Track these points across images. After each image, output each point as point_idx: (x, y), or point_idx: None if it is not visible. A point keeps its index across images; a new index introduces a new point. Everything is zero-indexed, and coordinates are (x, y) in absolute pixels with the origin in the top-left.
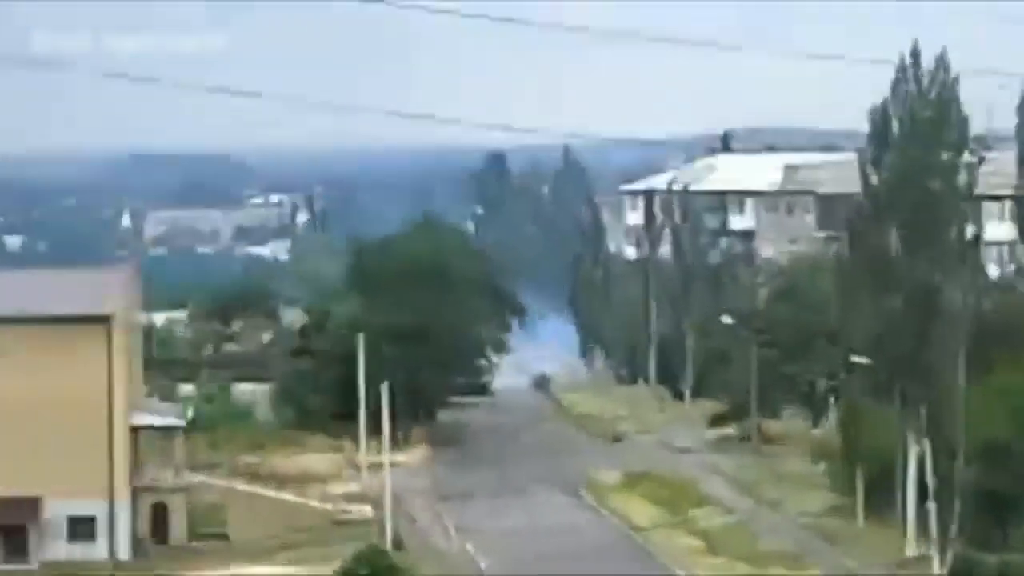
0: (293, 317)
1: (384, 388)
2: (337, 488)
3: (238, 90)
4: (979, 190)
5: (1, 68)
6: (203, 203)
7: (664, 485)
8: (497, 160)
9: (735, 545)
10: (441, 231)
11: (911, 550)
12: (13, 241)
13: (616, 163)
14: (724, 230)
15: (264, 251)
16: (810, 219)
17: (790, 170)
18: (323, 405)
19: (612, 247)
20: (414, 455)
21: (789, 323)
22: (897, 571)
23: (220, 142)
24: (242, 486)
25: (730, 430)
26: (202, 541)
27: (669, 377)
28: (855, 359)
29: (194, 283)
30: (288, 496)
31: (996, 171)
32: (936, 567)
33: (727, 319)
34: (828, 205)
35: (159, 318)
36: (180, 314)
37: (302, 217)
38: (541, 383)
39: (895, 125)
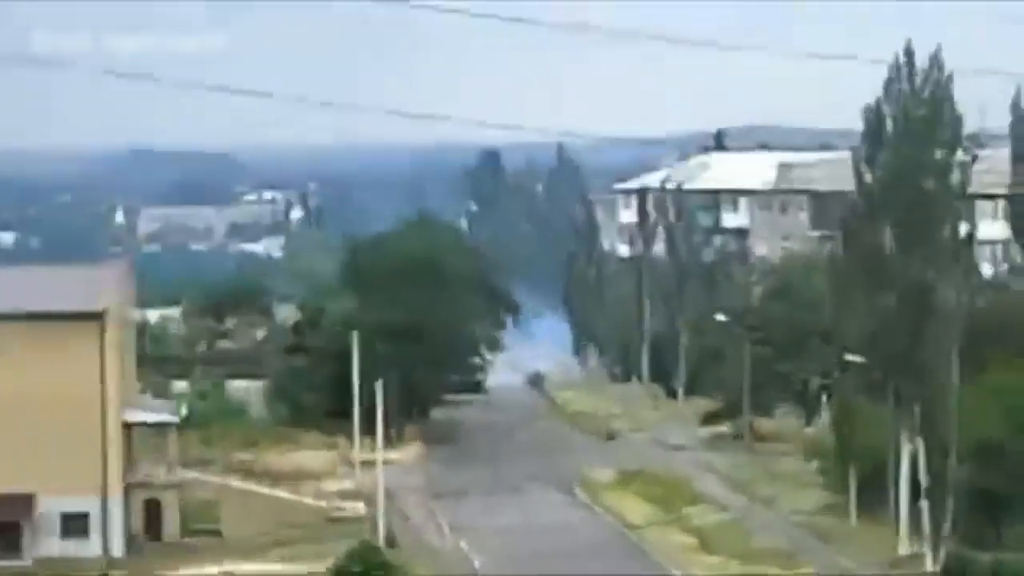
0: (287, 314)
1: (378, 385)
2: (331, 485)
3: (235, 88)
4: (973, 188)
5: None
6: (197, 200)
7: (658, 483)
8: (491, 158)
9: (729, 543)
10: (435, 229)
11: (904, 548)
12: (7, 237)
13: (610, 161)
14: (718, 228)
15: (258, 248)
16: (804, 217)
17: (784, 168)
18: (317, 402)
19: (606, 245)
20: (408, 452)
21: (783, 321)
22: (890, 570)
23: (214, 140)
24: (236, 483)
25: (723, 428)
26: (195, 538)
27: (663, 375)
28: (849, 357)
29: (188, 280)
30: (282, 493)
31: (990, 169)
32: (929, 565)
33: (721, 317)
34: (822, 203)
35: (153, 315)
36: (174, 311)
37: (296, 214)
38: (535, 381)
39: (889, 124)
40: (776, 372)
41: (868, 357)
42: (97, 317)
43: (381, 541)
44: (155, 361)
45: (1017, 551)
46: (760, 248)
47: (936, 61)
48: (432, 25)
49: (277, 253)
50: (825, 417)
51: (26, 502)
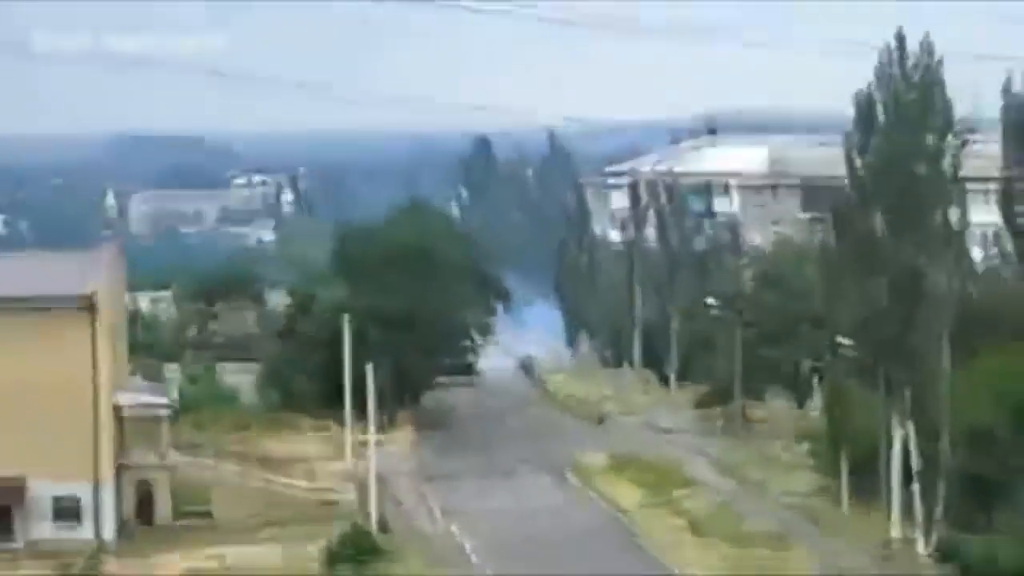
0: (278, 300)
1: (369, 371)
2: (322, 469)
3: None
4: (964, 174)
5: None
6: (188, 185)
7: (649, 467)
8: (483, 145)
9: (720, 526)
10: (427, 215)
11: (895, 532)
12: None
13: (602, 149)
14: (709, 214)
15: (248, 232)
16: (795, 203)
17: (775, 154)
18: (308, 387)
19: (597, 231)
20: (399, 437)
21: (774, 307)
22: (882, 552)
23: (207, 125)
24: (227, 467)
25: (715, 413)
26: (186, 521)
27: (654, 361)
28: (840, 342)
29: (179, 265)
30: (273, 478)
31: (981, 155)
32: (920, 549)
33: (712, 303)
34: (813, 189)
35: (144, 300)
36: (165, 294)
37: (287, 200)
38: (526, 367)
39: (880, 110)
40: (767, 357)
41: (859, 342)
42: (88, 302)
43: (373, 525)
44: (146, 346)
45: (1008, 535)
46: (751, 234)
47: (926, 47)
48: (426, 17)
49: (268, 237)
50: (816, 402)
51: (18, 487)
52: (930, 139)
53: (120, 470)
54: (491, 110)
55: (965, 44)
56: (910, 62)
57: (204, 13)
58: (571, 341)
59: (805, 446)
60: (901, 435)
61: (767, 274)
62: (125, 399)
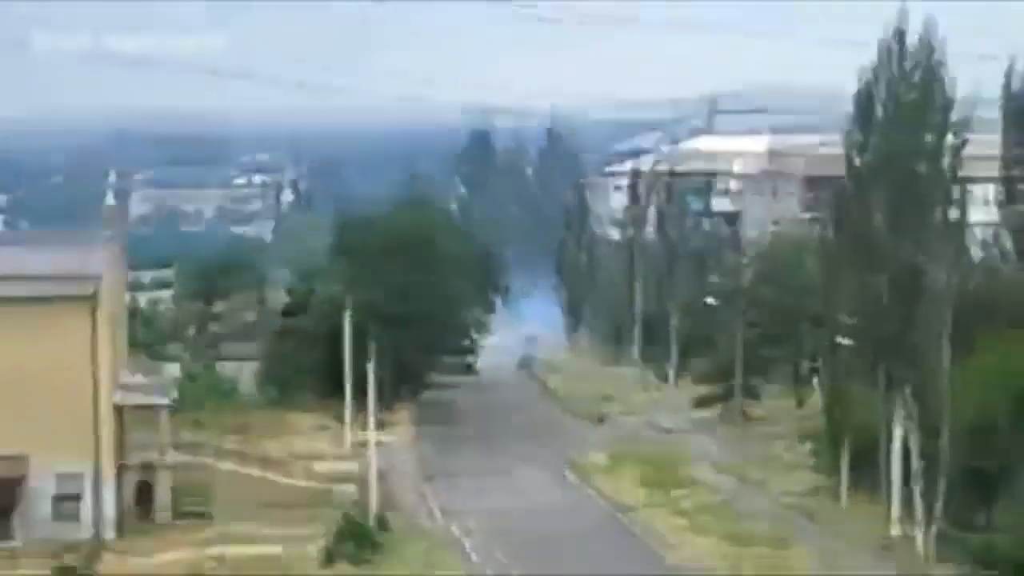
0: (277, 296)
1: (369, 367)
2: (321, 467)
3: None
4: (963, 172)
5: None
6: (188, 182)
7: (648, 465)
8: (481, 139)
9: (719, 525)
10: (426, 210)
11: (895, 530)
12: None
13: (602, 143)
14: (708, 211)
15: (248, 231)
16: (794, 200)
17: (775, 151)
18: (307, 384)
19: (597, 228)
20: (399, 434)
21: (773, 304)
22: (882, 551)
23: (206, 121)
24: (226, 464)
25: (714, 410)
26: (186, 519)
27: (654, 358)
28: (839, 340)
29: (179, 261)
30: (272, 474)
31: (981, 153)
32: (921, 546)
33: (711, 300)
34: (813, 186)
35: (143, 297)
36: (165, 293)
37: (286, 196)
38: (526, 363)
39: (879, 108)
40: (767, 354)
41: (859, 339)
42: (89, 296)
43: (372, 522)
44: (145, 342)
45: (1008, 532)
46: (751, 231)
47: (926, 44)
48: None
49: (267, 236)
50: (816, 399)
51: (17, 483)
52: (929, 137)
53: (120, 468)
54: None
55: (965, 42)
56: (909, 62)
57: (204, 13)
58: (570, 337)
59: (807, 445)
60: (901, 432)
61: (766, 271)
62: (126, 396)
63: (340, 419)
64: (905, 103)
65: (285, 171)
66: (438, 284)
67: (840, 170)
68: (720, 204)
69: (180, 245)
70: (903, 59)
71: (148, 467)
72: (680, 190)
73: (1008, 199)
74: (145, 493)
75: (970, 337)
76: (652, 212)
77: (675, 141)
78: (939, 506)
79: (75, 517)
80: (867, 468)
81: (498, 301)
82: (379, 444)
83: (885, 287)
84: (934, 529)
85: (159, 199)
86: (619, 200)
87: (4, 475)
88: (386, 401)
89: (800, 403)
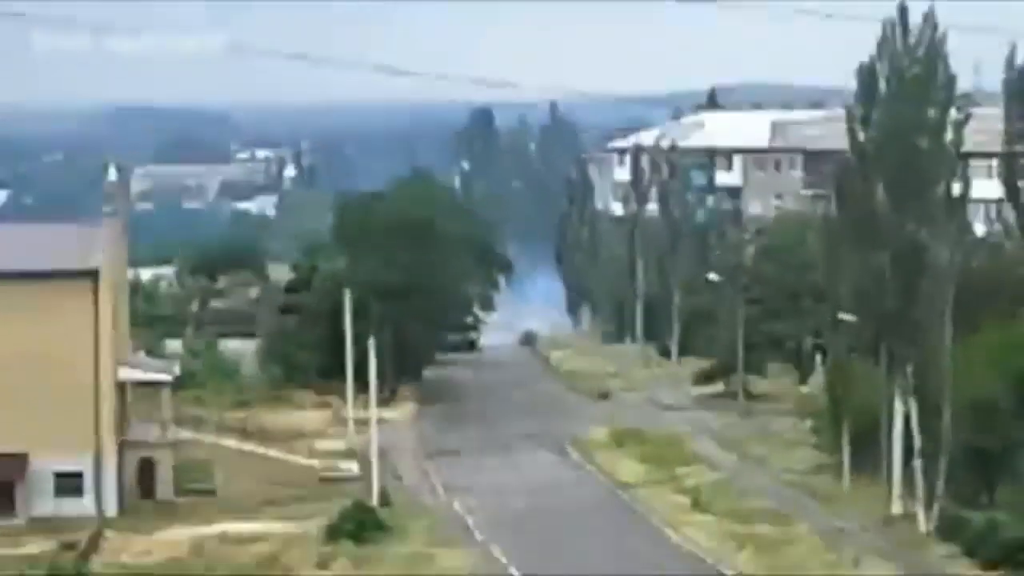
0: (280, 273)
1: (371, 344)
2: (324, 444)
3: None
4: (966, 147)
5: None
6: (190, 158)
7: (650, 442)
8: (484, 116)
9: (721, 502)
10: (429, 187)
11: (897, 508)
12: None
13: (604, 120)
14: (711, 187)
15: (251, 206)
16: (797, 176)
17: (778, 127)
18: (310, 361)
19: (599, 204)
20: (401, 412)
21: (775, 281)
22: (883, 528)
23: (207, 98)
24: (229, 442)
25: (717, 387)
26: (188, 496)
27: (656, 334)
28: (842, 316)
29: (181, 238)
30: (275, 452)
31: (983, 128)
32: (922, 525)
33: (714, 276)
34: (815, 162)
35: (145, 274)
36: (167, 270)
37: (289, 173)
38: (528, 340)
39: (882, 83)
40: (769, 331)
41: (861, 316)
42: (91, 276)
43: (375, 500)
44: (148, 320)
45: (1010, 511)
46: (754, 207)
47: (930, 19)
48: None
49: (270, 212)
50: (818, 376)
51: (20, 462)
52: (932, 112)
53: (122, 445)
54: (492, 81)
55: (968, 16)
56: (913, 36)
57: (204, 13)
58: (573, 314)
59: (807, 422)
60: (903, 410)
61: (769, 247)
62: (128, 374)
63: (342, 396)
64: (908, 77)
65: (287, 145)
66: (440, 261)
67: (843, 145)
68: (723, 179)
69: (182, 226)
70: (906, 34)
71: (150, 444)
72: (683, 165)
73: (1010, 173)
74: (147, 470)
75: (972, 315)
76: (654, 188)
77: (678, 116)
78: (940, 484)
79: (77, 494)
80: (869, 446)
81: (500, 278)
82: (381, 421)
83: (887, 263)
84: (936, 507)
85: (160, 174)
86: (622, 175)
87: (6, 453)
88: (388, 378)
89: (802, 380)
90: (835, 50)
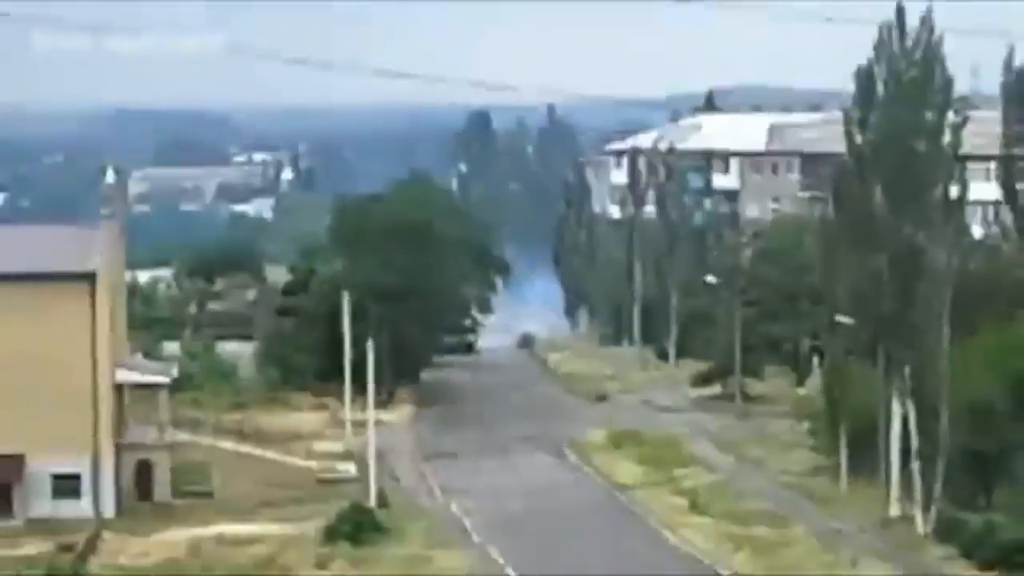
0: (278, 275)
1: (369, 347)
2: (322, 446)
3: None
4: (964, 150)
5: None
6: (188, 161)
7: (647, 444)
8: (481, 119)
9: (719, 504)
10: (427, 190)
11: (894, 510)
12: None
13: (601, 123)
14: (709, 190)
15: (248, 209)
16: (795, 179)
17: (775, 129)
18: (307, 364)
19: (597, 207)
20: (399, 414)
21: (773, 283)
22: (881, 530)
23: (207, 99)
24: (226, 444)
25: (714, 390)
26: (186, 499)
27: (654, 337)
28: (839, 319)
29: (178, 241)
30: (272, 454)
31: (981, 131)
32: (920, 527)
33: (711, 279)
34: (813, 165)
35: (143, 276)
36: (164, 272)
37: (287, 175)
38: (526, 342)
39: (880, 85)
40: (767, 334)
41: (858, 319)
42: (88, 278)
43: (372, 502)
44: (145, 322)
45: (1007, 512)
46: (751, 209)
47: (927, 22)
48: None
49: (268, 214)
50: (816, 379)
51: (17, 463)
52: (930, 115)
53: (120, 447)
54: (490, 84)
55: (966, 19)
56: (910, 39)
57: (204, 13)
58: (571, 317)
59: (805, 424)
60: (900, 412)
61: (766, 250)
62: (125, 376)
63: (340, 398)
64: (906, 80)
65: (285, 148)
66: (437, 264)
67: (840, 148)
68: (720, 182)
69: (179, 228)
70: (904, 37)
71: (148, 446)
72: (680, 168)
73: (1008, 176)
74: (145, 472)
75: (970, 317)
76: (652, 190)
77: (675, 119)
78: (938, 486)
79: (75, 496)
80: (867, 448)
81: (498, 280)
82: (379, 423)
83: (885, 266)
84: (933, 509)
85: (158, 176)
86: (619, 178)
87: (3, 454)
88: (386, 380)
89: (800, 382)
90: (835, 53)
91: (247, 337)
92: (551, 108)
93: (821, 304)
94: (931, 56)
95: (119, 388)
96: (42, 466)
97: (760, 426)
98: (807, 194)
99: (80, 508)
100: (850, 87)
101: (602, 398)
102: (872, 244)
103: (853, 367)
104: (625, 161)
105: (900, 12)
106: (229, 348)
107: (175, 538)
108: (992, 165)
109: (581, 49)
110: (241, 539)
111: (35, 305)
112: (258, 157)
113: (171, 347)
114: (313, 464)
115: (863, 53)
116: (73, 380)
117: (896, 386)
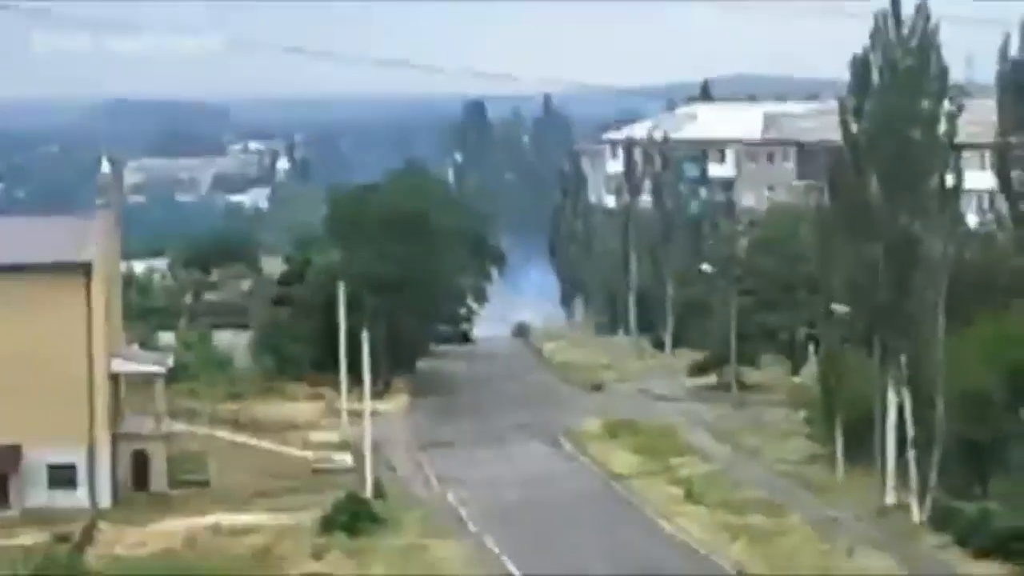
0: (273, 265)
1: (365, 336)
2: (318, 436)
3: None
4: (959, 139)
5: None
6: (183, 151)
7: (643, 433)
8: (477, 109)
9: (714, 493)
10: (422, 180)
11: (890, 499)
12: None
13: (597, 113)
14: (704, 179)
15: (244, 199)
16: (790, 168)
17: (771, 118)
18: (303, 354)
19: (592, 196)
20: (395, 404)
21: (769, 272)
22: (876, 519)
23: (203, 90)
24: (222, 434)
25: (710, 379)
26: (182, 489)
27: (649, 326)
28: (835, 308)
29: (174, 231)
30: (268, 444)
31: (976, 120)
32: (915, 516)
33: (707, 268)
34: (808, 154)
35: (139, 266)
36: (160, 263)
37: (283, 165)
38: (521, 332)
39: (875, 74)
40: (763, 323)
41: (854, 308)
42: (83, 268)
43: (368, 492)
44: (141, 312)
45: (1002, 501)
46: (747, 198)
47: (923, 10)
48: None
49: (263, 204)
50: (812, 367)
51: (13, 453)
52: (925, 104)
53: (116, 437)
54: (487, 74)
55: (961, 7)
56: (906, 27)
57: (204, 13)
58: (566, 306)
59: (801, 413)
60: (896, 401)
61: (762, 239)
62: (121, 366)
63: (336, 388)
64: (901, 69)
65: (281, 137)
66: (433, 253)
67: (836, 137)
68: (716, 171)
69: (175, 218)
70: (900, 25)
71: (144, 436)
72: (675, 157)
73: (1003, 164)
74: (141, 462)
75: (965, 306)
76: (647, 179)
77: (671, 108)
78: (933, 475)
79: (71, 486)
80: (863, 436)
81: (493, 270)
82: (375, 413)
83: (880, 255)
84: (929, 498)
85: (154, 166)
86: (615, 167)
87: (0, 445)
88: (382, 370)
89: (795, 371)
90: (835, 42)
91: (243, 327)
92: (547, 98)
93: (817, 293)
94: (927, 45)
95: (115, 378)
96: (38, 456)
97: (756, 415)
98: (803, 183)
99: (76, 498)
100: (847, 76)
101: (598, 387)
102: (868, 233)
103: (849, 356)
104: (621, 150)
105: (896, 1)
106: (225, 338)
107: (171, 528)
108: (987, 154)
109: (579, 39)
110: (237, 529)
111: (31, 296)
112: (254, 147)
113: (167, 337)
114: (309, 454)
115: (861, 43)
116: (69, 370)
117: (892, 375)
